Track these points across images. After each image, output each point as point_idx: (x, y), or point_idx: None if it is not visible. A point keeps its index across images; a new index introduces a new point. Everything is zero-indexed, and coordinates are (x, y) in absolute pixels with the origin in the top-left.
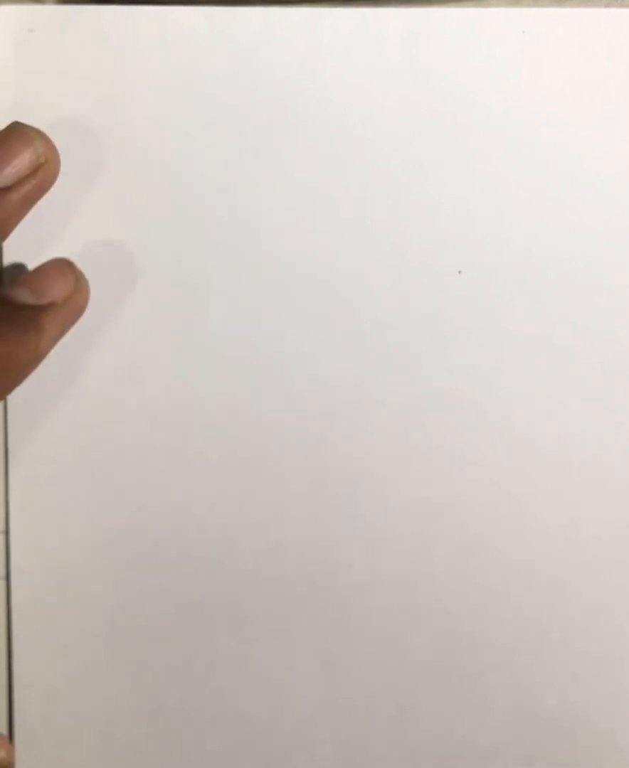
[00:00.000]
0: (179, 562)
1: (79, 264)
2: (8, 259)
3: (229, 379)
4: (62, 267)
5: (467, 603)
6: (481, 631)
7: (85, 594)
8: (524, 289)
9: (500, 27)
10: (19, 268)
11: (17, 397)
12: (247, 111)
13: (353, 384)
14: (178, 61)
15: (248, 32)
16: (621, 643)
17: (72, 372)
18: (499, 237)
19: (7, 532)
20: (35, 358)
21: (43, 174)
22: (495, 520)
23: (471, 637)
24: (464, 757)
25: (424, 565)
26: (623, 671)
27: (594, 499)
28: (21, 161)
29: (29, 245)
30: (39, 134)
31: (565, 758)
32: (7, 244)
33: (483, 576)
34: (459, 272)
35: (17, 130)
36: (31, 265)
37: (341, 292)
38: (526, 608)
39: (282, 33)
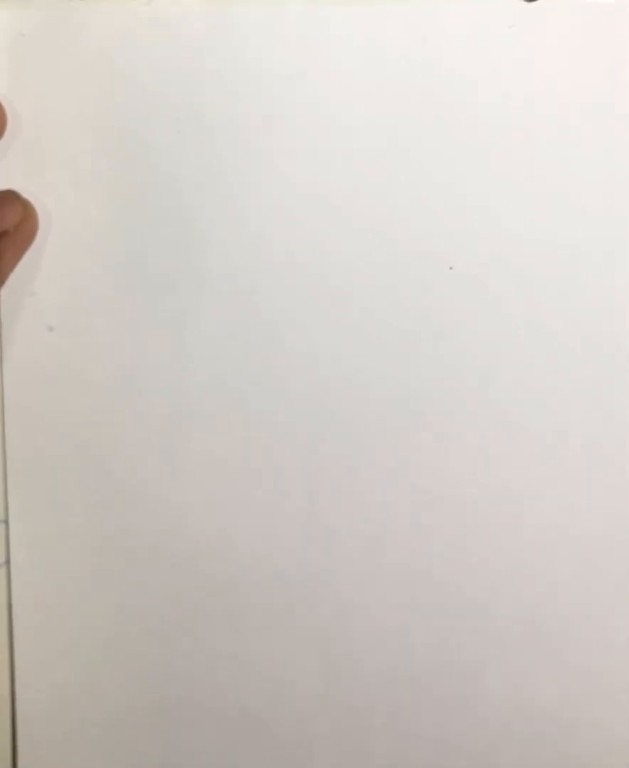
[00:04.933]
0: (179, 560)
1: (73, 263)
2: None
3: (224, 377)
4: (9, 197)
5: (465, 597)
6: (479, 626)
7: (86, 593)
8: (515, 284)
9: (493, 21)
10: None
11: (14, 398)
12: (241, 109)
13: (349, 381)
14: (176, 60)
15: (246, 31)
16: (619, 636)
17: (68, 372)
18: (490, 233)
19: (6, 520)
20: None
21: None
22: (491, 515)
23: (470, 631)
24: (463, 750)
25: (422, 561)
26: (621, 664)
27: (590, 492)
28: None
29: None
30: None
31: (564, 752)
32: None
33: (481, 570)
34: (450, 268)
35: None
36: (30, 260)
37: (336, 289)
38: (524, 602)
39: (280, 30)
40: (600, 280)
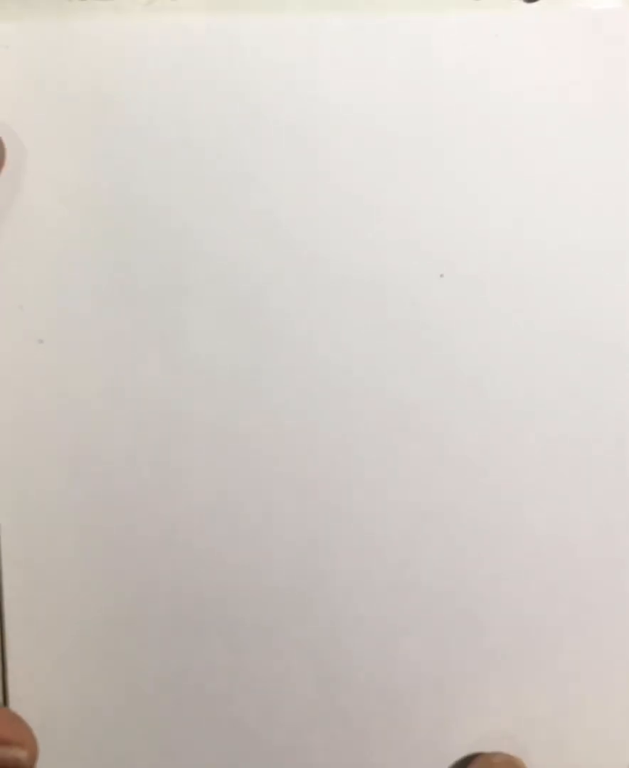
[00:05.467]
0: (170, 574)
1: (61, 276)
2: None
3: (214, 389)
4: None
5: (458, 607)
6: (473, 636)
7: (78, 608)
8: (513, 291)
9: (492, 22)
10: None
11: (3, 411)
12: (235, 115)
13: (339, 392)
14: (170, 71)
15: (246, 42)
16: (613, 644)
17: (58, 384)
18: (487, 240)
19: None
20: None
21: None
22: (484, 524)
23: (463, 641)
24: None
25: (414, 571)
26: (616, 672)
27: (582, 501)
28: None
29: (11, 258)
30: None
31: (559, 761)
32: None
33: (474, 580)
34: (441, 276)
35: None
36: (18, 270)
37: (329, 301)
38: (517, 611)
39: (280, 41)
40: (598, 287)
